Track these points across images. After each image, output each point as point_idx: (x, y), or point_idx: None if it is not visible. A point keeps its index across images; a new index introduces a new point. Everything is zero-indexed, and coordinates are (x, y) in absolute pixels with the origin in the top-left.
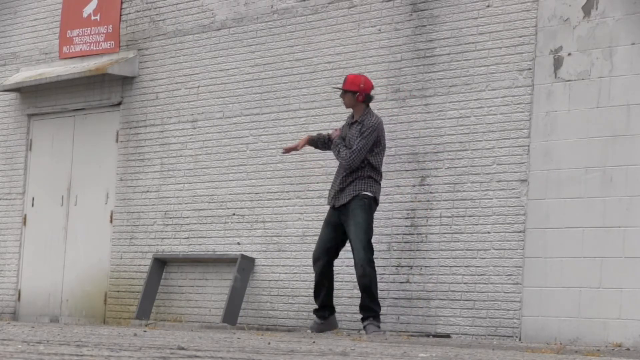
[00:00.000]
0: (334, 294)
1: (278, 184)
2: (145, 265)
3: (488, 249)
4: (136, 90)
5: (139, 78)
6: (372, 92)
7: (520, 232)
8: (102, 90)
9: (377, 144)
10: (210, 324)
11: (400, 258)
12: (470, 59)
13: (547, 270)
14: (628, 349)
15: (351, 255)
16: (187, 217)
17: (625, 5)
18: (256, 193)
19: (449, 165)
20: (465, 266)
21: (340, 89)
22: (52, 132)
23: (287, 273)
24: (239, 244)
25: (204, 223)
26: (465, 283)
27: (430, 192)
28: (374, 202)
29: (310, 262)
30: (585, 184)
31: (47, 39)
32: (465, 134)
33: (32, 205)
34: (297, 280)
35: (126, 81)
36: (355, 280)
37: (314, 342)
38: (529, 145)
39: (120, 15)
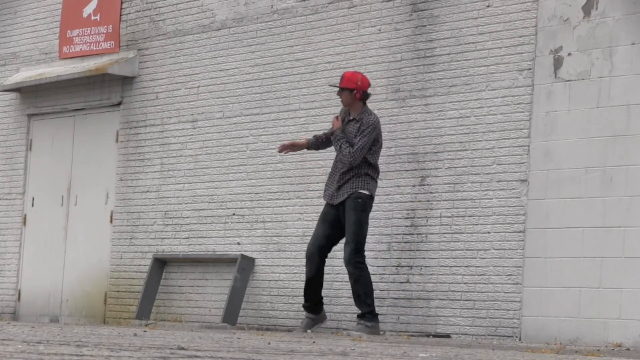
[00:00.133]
0: (334, 294)
1: (278, 184)
2: (145, 265)
3: (488, 249)
4: (136, 90)
5: (139, 78)
6: (369, 90)
7: (520, 232)
8: (102, 90)
9: (375, 142)
10: (210, 324)
11: (400, 258)
12: (470, 59)
13: (547, 270)
14: (628, 349)
15: None
16: (187, 217)
17: (625, 5)
18: (256, 193)
19: (449, 165)
20: (465, 266)
21: (337, 86)
22: (52, 132)
23: (287, 273)
24: (239, 244)
25: (204, 223)
26: (465, 283)
27: (430, 192)
28: (369, 199)
29: None
30: (585, 184)
31: (47, 39)
32: (465, 134)
33: (32, 205)
34: (297, 280)
35: (126, 81)
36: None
37: (314, 342)
38: (529, 145)
39: (120, 15)
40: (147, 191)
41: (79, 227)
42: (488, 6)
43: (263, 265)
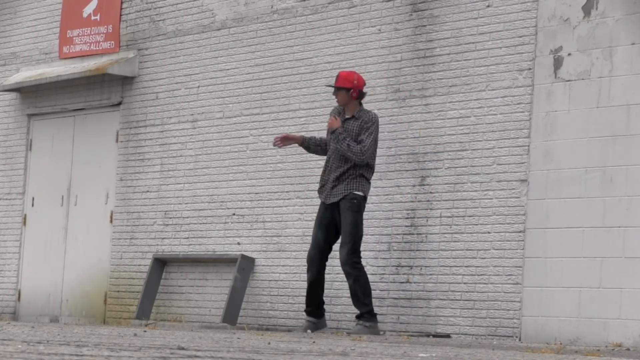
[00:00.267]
0: (334, 294)
1: (278, 184)
2: (145, 265)
3: (488, 249)
4: (136, 90)
5: (139, 78)
6: (364, 89)
7: (520, 232)
8: (102, 90)
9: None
10: (210, 324)
11: (400, 258)
12: (470, 59)
13: (547, 270)
14: (628, 349)
15: None
16: (187, 217)
17: (625, 5)
18: (256, 193)
19: (449, 165)
20: (465, 266)
21: (333, 86)
22: (52, 132)
23: (287, 273)
24: (239, 244)
25: (204, 223)
26: (465, 283)
27: (430, 192)
28: (363, 200)
29: None
30: (585, 184)
31: (47, 39)
32: (465, 134)
33: (32, 205)
34: (297, 280)
35: (126, 81)
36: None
37: (314, 342)
38: (529, 145)
39: (120, 15)
40: (147, 191)
41: (79, 227)
42: (488, 6)
43: (263, 265)
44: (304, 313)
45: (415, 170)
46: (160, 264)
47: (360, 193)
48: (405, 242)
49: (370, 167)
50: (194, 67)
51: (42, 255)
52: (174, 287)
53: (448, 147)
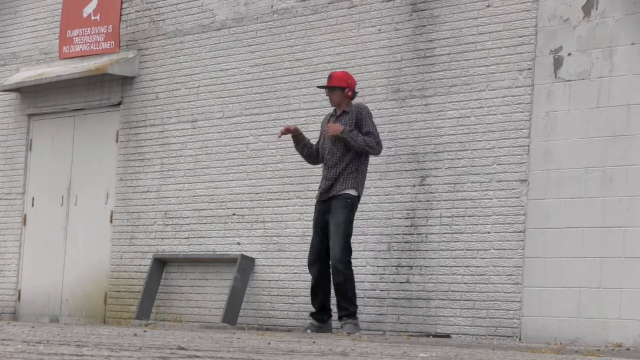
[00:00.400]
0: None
1: (278, 184)
2: (145, 265)
3: (488, 249)
4: (136, 90)
5: (139, 78)
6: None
7: (520, 232)
8: (102, 90)
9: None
10: (210, 324)
11: (400, 258)
12: (470, 59)
13: (547, 270)
14: (628, 349)
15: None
16: (187, 217)
17: (625, 5)
18: (256, 193)
19: (449, 165)
20: (465, 266)
21: (327, 86)
22: (52, 132)
23: (287, 273)
24: (239, 244)
25: (204, 223)
26: (465, 283)
27: (430, 192)
28: (357, 200)
29: None
30: (585, 184)
31: (47, 39)
32: (465, 134)
33: (32, 205)
34: (297, 280)
35: (126, 81)
36: (355, 280)
37: (314, 342)
38: (529, 145)
39: (120, 15)
40: (147, 191)
41: (79, 227)
42: (488, 6)
43: (263, 265)
44: (309, 316)
45: (415, 170)
46: (160, 264)
47: (354, 193)
48: (405, 242)
49: (367, 157)
50: (194, 67)
51: (42, 255)
52: (174, 287)
53: (448, 147)
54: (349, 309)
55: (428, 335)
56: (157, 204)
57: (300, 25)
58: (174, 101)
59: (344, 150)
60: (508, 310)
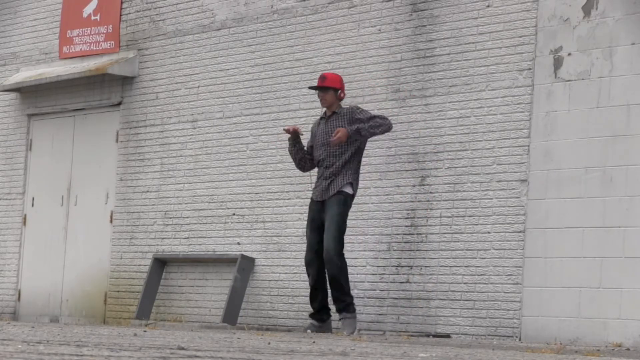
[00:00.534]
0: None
1: (278, 184)
2: (145, 265)
3: (488, 249)
4: (136, 90)
5: (139, 78)
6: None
7: (520, 232)
8: (102, 90)
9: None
10: (210, 324)
11: (400, 258)
12: (470, 59)
13: (547, 270)
14: (628, 349)
15: (350, 256)
16: (187, 217)
17: (625, 5)
18: (256, 193)
19: (449, 165)
20: (465, 266)
21: (319, 87)
22: (52, 132)
23: (287, 273)
24: (239, 244)
25: (204, 223)
26: (465, 283)
27: (430, 192)
28: (351, 199)
29: None
30: (585, 184)
31: (47, 39)
32: (465, 134)
33: (32, 205)
34: (297, 280)
35: (126, 81)
36: (354, 280)
37: (314, 342)
38: (529, 145)
39: (120, 15)
40: (147, 191)
41: (79, 227)
42: (488, 6)
43: (263, 265)
44: (309, 317)
45: (415, 170)
46: (160, 264)
47: (350, 191)
48: (405, 242)
49: (361, 150)
50: (194, 67)
51: (42, 255)
52: (174, 287)
53: (448, 147)
54: (345, 301)
55: (428, 335)
56: (157, 204)
57: (300, 25)
58: (174, 101)
59: (340, 150)
60: (508, 310)
